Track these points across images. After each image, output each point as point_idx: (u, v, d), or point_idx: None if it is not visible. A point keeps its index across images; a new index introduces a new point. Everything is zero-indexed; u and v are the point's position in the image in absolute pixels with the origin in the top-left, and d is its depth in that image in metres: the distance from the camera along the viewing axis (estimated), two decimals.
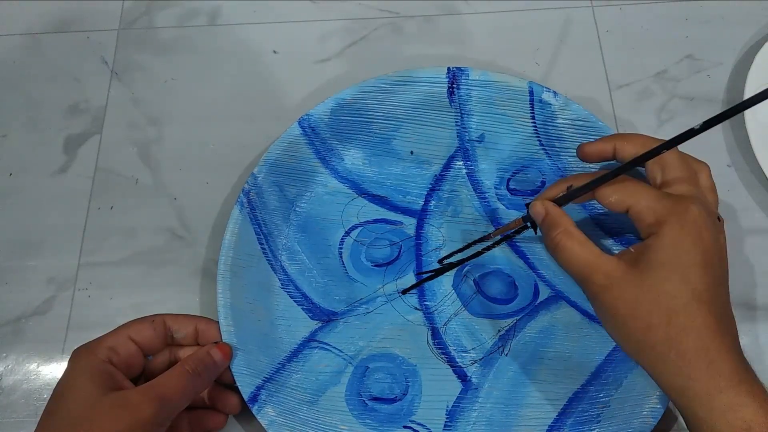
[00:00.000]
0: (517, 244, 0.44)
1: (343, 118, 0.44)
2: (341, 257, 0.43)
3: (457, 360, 0.41)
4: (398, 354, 0.41)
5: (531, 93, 0.44)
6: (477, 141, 0.45)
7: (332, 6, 0.53)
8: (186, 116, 0.50)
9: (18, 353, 0.43)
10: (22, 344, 0.43)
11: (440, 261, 0.43)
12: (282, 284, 0.42)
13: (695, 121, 0.48)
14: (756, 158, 0.44)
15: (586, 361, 0.41)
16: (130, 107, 0.50)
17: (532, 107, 0.44)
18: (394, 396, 0.40)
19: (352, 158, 0.45)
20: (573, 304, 0.42)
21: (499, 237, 0.43)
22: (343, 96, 0.44)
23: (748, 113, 0.45)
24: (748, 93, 0.46)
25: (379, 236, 0.44)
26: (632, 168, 0.35)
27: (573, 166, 0.44)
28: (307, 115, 0.43)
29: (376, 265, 0.43)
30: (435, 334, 0.42)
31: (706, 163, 0.37)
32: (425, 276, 0.43)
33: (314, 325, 0.42)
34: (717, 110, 0.48)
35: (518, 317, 0.42)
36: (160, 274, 0.45)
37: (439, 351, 0.41)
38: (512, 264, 0.43)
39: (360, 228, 0.44)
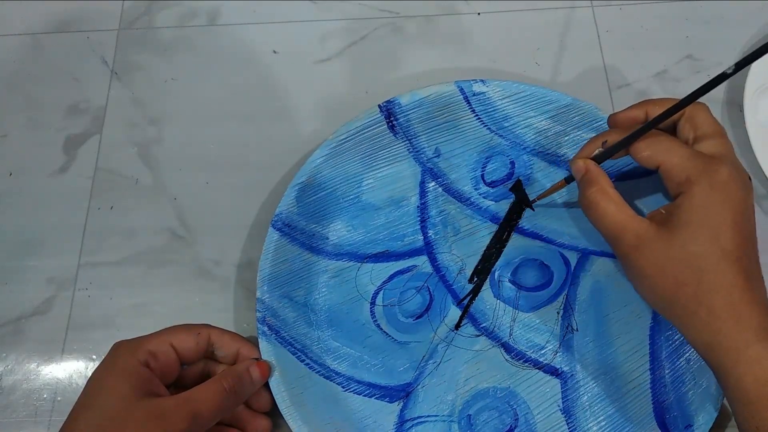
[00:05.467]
0: (524, 227, 0.44)
1: (308, 200, 0.43)
2: (381, 329, 0.42)
3: (541, 359, 0.41)
4: (488, 386, 0.40)
5: (462, 91, 0.45)
6: (435, 157, 0.46)
7: (332, 6, 0.53)
8: (186, 116, 0.50)
9: (18, 353, 0.43)
10: (22, 344, 0.43)
11: (471, 280, 0.43)
12: (343, 387, 0.40)
13: None
14: (756, 158, 0.44)
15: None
16: (130, 107, 0.50)
17: (469, 102, 0.45)
18: (510, 426, 0.40)
19: (336, 232, 0.44)
20: (601, 254, 0.43)
21: (503, 225, 0.44)
22: (298, 180, 0.43)
23: (748, 113, 0.45)
24: (748, 93, 0.46)
25: (403, 289, 0.43)
26: (666, 118, 0.36)
27: (528, 138, 0.45)
28: (276, 215, 0.42)
29: (417, 318, 0.42)
30: (507, 348, 0.41)
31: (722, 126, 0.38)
32: (467, 301, 0.43)
33: (397, 407, 0.40)
34: (717, 110, 0.48)
35: (565, 292, 0.42)
36: (160, 274, 0.45)
37: (521, 361, 0.41)
38: (531, 247, 0.44)
39: (381, 292, 0.43)
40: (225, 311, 0.43)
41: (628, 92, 0.49)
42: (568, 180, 0.40)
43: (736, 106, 0.48)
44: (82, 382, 0.42)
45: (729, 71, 0.32)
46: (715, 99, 0.49)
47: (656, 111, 0.37)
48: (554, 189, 0.42)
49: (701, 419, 0.37)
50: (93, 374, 0.35)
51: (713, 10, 0.52)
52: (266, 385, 0.38)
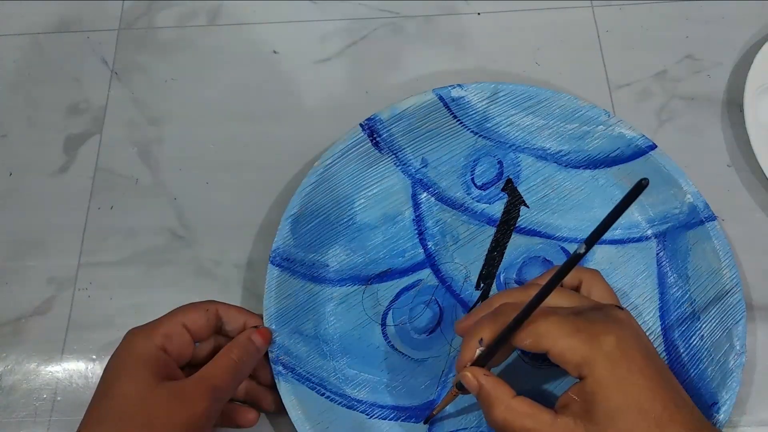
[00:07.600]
0: (522, 226, 0.44)
1: (303, 230, 0.42)
2: (396, 349, 0.41)
3: None
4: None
5: (441, 98, 0.45)
6: (423, 167, 0.45)
7: (332, 6, 0.53)
8: (186, 116, 0.50)
9: (18, 353, 0.43)
10: (22, 344, 0.43)
11: (477, 286, 0.43)
12: (368, 414, 0.39)
13: (695, 121, 0.48)
14: (756, 158, 0.44)
15: (645, 278, 0.42)
16: (130, 107, 0.50)
17: (449, 108, 0.45)
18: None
19: (336, 258, 0.43)
20: (600, 243, 0.42)
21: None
22: (291, 211, 0.42)
23: (748, 113, 0.45)
24: (748, 93, 0.46)
25: (411, 306, 0.42)
26: (535, 307, 0.31)
27: (512, 136, 0.45)
28: (274, 250, 0.41)
29: (430, 333, 0.42)
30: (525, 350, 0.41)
31: (596, 270, 0.37)
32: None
33: (425, 426, 0.39)
34: (717, 110, 0.48)
35: None
36: (160, 274, 0.45)
37: (540, 361, 0.40)
38: (532, 245, 0.44)
39: (390, 311, 0.42)
40: None
41: (628, 92, 0.49)
42: (461, 388, 0.34)
43: (736, 106, 0.48)
44: (83, 382, 0.42)
45: (581, 251, 0.28)
46: (715, 99, 0.49)
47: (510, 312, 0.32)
48: (448, 400, 0.37)
49: (725, 395, 0.37)
50: (109, 363, 0.34)
51: (713, 10, 0.52)
52: (266, 357, 0.39)
